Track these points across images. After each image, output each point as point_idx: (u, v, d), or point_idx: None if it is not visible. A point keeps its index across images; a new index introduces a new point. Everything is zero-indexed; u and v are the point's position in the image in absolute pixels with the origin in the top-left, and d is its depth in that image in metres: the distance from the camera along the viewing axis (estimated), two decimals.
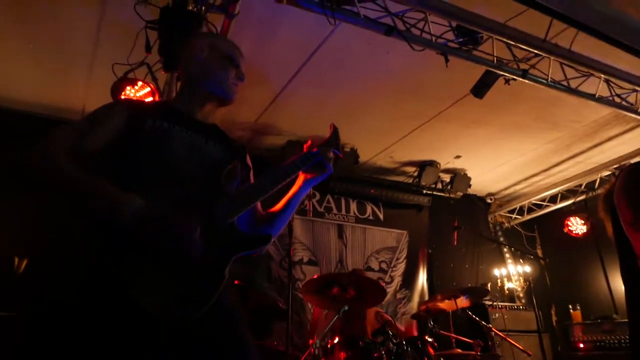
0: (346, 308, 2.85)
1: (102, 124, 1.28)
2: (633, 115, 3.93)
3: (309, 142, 1.51)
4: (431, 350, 2.98)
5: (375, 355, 2.76)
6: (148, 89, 2.78)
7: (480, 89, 3.37)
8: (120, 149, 1.26)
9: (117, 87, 2.75)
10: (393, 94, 4.09)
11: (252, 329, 1.33)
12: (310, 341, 2.90)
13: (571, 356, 4.70)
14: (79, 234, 1.16)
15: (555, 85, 3.44)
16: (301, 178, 1.48)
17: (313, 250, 4.88)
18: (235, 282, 3.17)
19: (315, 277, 3.28)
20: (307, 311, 4.49)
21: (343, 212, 5.27)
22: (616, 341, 4.49)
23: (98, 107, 1.36)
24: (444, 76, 3.68)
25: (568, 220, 5.72)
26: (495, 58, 3.20)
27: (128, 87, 2.73)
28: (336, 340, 2.91)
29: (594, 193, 5.52)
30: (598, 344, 4.57)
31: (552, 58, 3.24)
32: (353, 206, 5.35)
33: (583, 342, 4.64)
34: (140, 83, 2.77)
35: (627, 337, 4.52)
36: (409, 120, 4.53)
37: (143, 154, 1.26)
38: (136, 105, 1.43)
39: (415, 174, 5.45)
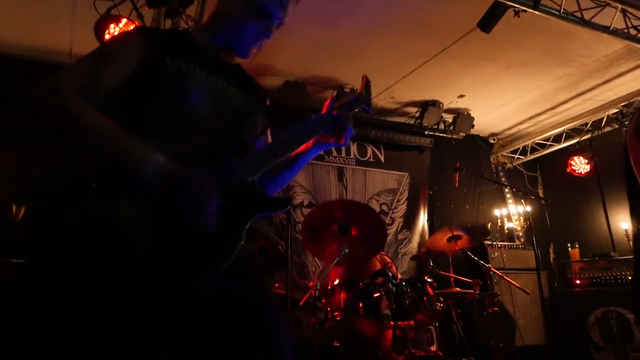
0: (346, 250, 2.86)
1: (115, 61, 1.15)
2: None
3: (330, 98, 1.37)
4: (430, 290, 3.02)
5: (375, 295, 2.80)
6: (133, 27, 2.62)
7: (487, 22, 3.17)
8: (133, 91, 1.15)
9: (100, 26, 2.58)
10: (395, 31, 3.88)
11: None
12: (311, 283, 2.93)
13: (567, 292, 4.80)
14: (84, 185, 1.09)
15: (568, 16, 3.24)
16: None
17: (313, 193, 4.86)
18: None
19: (314, 208, 3.19)
20: (308, 253, 4.55)
21: (343, 154, 5.19)
22: (612, 278, 4.57)
23: (109, 40, 1.23)
24: (449, 9, 3.47)
25: (572, 159, 5.63)
26: None
27: (112, 25, 2.56)
28: (336, 281, 2.94)
29: (600, 132, 5.40)
30: (594, 280, 4.65)
31: None
32: (353, 148, 5.27)
33: (579, 279, 4.72)
34: (124, 20, 2.59)
35: (623, 273, 4.61)
36: (412, 59, 4.33)
37: (158, 97, 1.15)
38: (153, 37, 1.26)
39: (417, 114, 5.32)
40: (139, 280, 1.03)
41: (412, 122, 5.46)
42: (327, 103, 1.33)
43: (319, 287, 2.80)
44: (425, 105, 5.16)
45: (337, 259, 2.80)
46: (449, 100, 5.20)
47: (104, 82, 1.12)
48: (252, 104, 1.32)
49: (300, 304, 2.85)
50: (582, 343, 4.40)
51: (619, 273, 4.55)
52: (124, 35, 1.30)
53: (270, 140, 1.43)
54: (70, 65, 1.16)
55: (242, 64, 1.42)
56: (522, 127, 6.04)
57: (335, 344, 2.90)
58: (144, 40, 1.21)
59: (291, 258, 4.12)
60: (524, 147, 6.25)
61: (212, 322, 1.12)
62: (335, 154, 5.13)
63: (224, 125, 1.21)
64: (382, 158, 5.42)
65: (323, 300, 2.96)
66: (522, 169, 6.48)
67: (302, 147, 1.34)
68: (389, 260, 3.46)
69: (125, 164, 1.04)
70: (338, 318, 2.81)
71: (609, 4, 3.28)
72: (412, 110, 5.36)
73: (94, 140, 1.06)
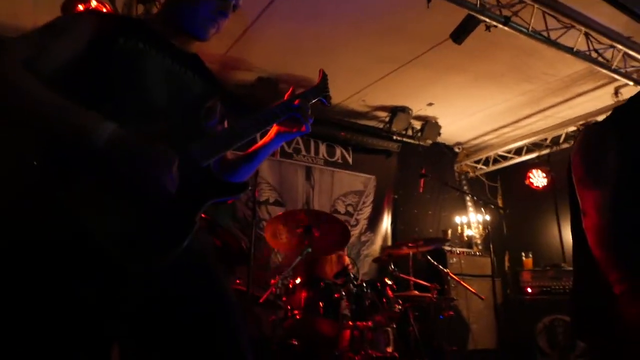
0: (309, 249, 2.87)
1: (64, 36, 1.09)
2: (606, 72, 3.94)
3: (291, 90, 1.37)
4: (390, 292, 3.07)
5: (336, 296, 2.82)
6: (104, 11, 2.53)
7: (460, 34, 3.26)
8: (84, 71, 1.09)
9: (68, 6, 2.47)
10: (371, 35, 3.92)
11: None
12: (272, 281, 2.93)
13: (519, 300, 4.99)
14: (26, 159, 1.00)
15: (535, 35, 3.37)
16: (274, 129, 1.35)
17: (279, 191, 4.85)
18: (202, 215, 3.11)
19: (280, 214, 3.26)
20: (272, 251, 4.53)
21: (312, 154, 5.20)
22: (561, 287, 4.78)
23: (59, 17, 1.17)
24: (424, 18, 3.53)
25: (530, 172, 5.86)
26: (478, 2, 3.07)
27: (80, 7, 2.46)
28: (298, 280, 2.95)
29: (558, 148, 5.64)
30: (544, 289, 4.85)
31: (535, 6, 3.15)
32: (322, 149, 5.29)
33: (531, 287, 4.91)
34: (94, 2, 2.50)
35: (571, 284, 4.83)
36: (385, 64, 4.39)
37: (112, 78, 1.10)
38: (107, 18, 1.22)
39: (387, 119, 5.39)
40: (93, 262, 0.98)
41: (381, 126, 5.54)
42: (287, 94, 1.35)
43: (280, 285, 2.79)
44: (395, 111, 5.24)
45: (300, 257, 2.81)
46: (419, 108, 5.30)
47: (51, 57, 1.06)
48: (209, 90, 1.30)
49: (261, 300, 2.83)
50: (529, 348, 4.59)
51: (567, 283, 4.76)
52: (74, 14, 1.26)
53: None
54: (15, 37, 1.07)
55: (215, 55, 1.41)
56: (486, 138, 6.23)
57: (294, 342, 2.90)
58: (95, 19, 1.17)
59: (254, 255, 4.10)
60: (487, 158, 6.44)
61: (168, 306, 1.10)
62: (304, 152, 5.14)
63: (180, 110, 1.17)
64: (350, 160, 5.47)
65: (284, 299, 2.97)
66: (483, 179, 6.68)
67: (263, 141, 1.35)
68: (348, 262, 3.49)
69: (72, 135, 0.97)
70: (298, 317, 2.82)
71: (573, 26, 3.43)
72: (382, 114, 5.42)
73: (36, 111, 0.98)
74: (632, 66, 3.96)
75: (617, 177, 1.39)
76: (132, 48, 1.14)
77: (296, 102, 1.32)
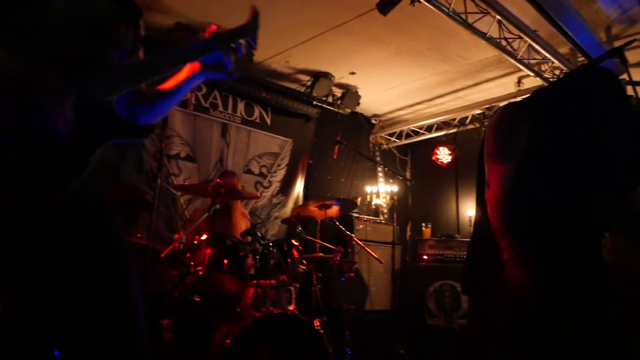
0: (217, 206, 2.81)
1: None
2: (512, 61, 4.23)
3: (214, 28, 1.23)
4: (295, 253, 3.14)
5: (241, 254, 2.82)
6: None
7: (386, 5, 3.29)
8: None
9: None
10: None
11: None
12: (176, 236, 2.84)
13: (415, 266, 5.37)
14: None
15: (454, 16, 3.51)
16: (195, 66, 1.23)
17: (192, 146, 4.66)
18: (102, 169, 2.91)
19: (187, 184, 3.12)
20: (179, 206, 4.39)
21: (229, 111, 5.04)
22: (452, 256, 5.22)
23: None
24: None
25: (437, 149, 6.27)
26: None
27: None
28: (204, 237, 2.90)
29: (464, 128, 6.03)
30: (438, 257, 5.26)
31: None
32: (240, 106, 5.14)
33: (427, 255, 5.30)
34: None
35: (462, 253, 5.31)
36: (311, 26, 4.32)
37: None
38: None
39: (309, 83, 5.37)
40: None
41: (302, 90, 5.50)
42: (210, 30, 1.22)
43: (184, 241, 2.73)
44: (318, 76, 5.22)
45: (207, 213, 2.75)
46: (341, 75, 5.34)
47: None
48: (120, 12, 1.16)
49: (162, 255, 2.75)
50: (420, 310, 5.00)
51: (458, 252, 5.21)
52: None
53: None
54: None
55: None
56: (402, 112, 6.47)
57: (195, 298, 2.87)
58: None
59: (158, 209, 3.94)
60: (400, 132, 6.72)
61: (56, 253, 1.03)
62: (221, 108, 4.96)
63: (80, 31, 1.05)
64: (268, 121, 5.39)
65: (188, 255, 2.90)
66: (395, 152, 6.99)
67: (185, 75, 1.22)
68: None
69: None
70: (201, 273, 2.79)
71: (488, 13, 3.62)
72: (305, 78, 5.39)
73: None
74: (534, 58, 4.30)
75: (522, 156, 1.51)
76: None
77: (220, 39, 1.20)
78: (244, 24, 1.26)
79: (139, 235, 3.11)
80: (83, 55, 1.03)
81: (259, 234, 2.95)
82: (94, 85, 1.01)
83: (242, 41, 1.25)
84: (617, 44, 3.91)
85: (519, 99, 1.74)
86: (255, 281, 2.83)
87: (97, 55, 1.06)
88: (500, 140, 1.62)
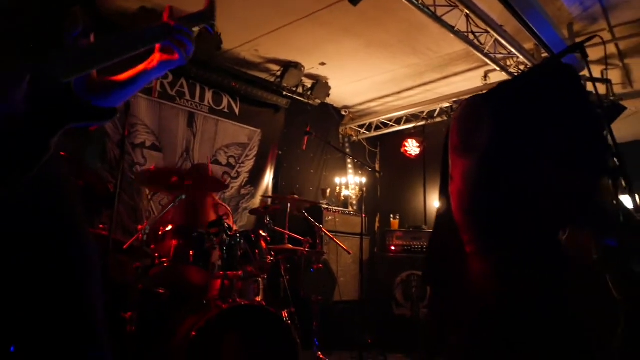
0: (183, 196, 2.75)
1: None
2: (479, 55, 4.31)
3: (167, 9, 1.20)
4: (263, 244, 3.11)
5: (207, 245, 2.78)
6: None
7: None
8: None
9: None
10: None
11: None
12: (139, 227, 2.77)
13: (383, 256, 5.44)
14: None
15: (423, 8, 3.53)
16: (157, 57, 1.20)
17: (158, 134, 4.54)
18: (62, 153, 2.78)
19: (152, 168, 3.05)
20: (144, 197, 4.28)
21: (197, 99, 4.93)
22: (420, 246, 5.32)
23: None
24: None
25: (406, 141, 6.34)
26: None
27: None
28: (169, 227, 2.83)
29: (432, 121, 6.12)
30: (406, 247, 5.34)
31: None
32: (208, 95, 5.04)
33: (394, 246, 5.38)
34: None
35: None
36: (282, 15, 4.26)
37: None
38: None
39: (278, 73, 5.31)
40: None
41: (272, 80, 5.44)
42: (165, 14, 1.20)
43: (147, 232, 2.66)
44: (288, 66, 5.17)
45: (173, 204, 2.69)
46: (311, 66, 5.30)
47: None
48: None
49: (125, 247, 2.67)
50: (387, 300, 5.08)
51: (426, 243, 5.31)
52: None
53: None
54: None
55: None
56: (371, 104, 6.50)
57: (160, 290, 2.82)
58: None
59: (122, 199, 3.83)
60: (370, 124, 6.75)
61: (12, 241, 0.98)
62: (188, 97, 4.85)
63: (30, 10, 1.02)
64: (237, 110, 5.31)
65: (152, 246, 2.83)
66: (365, 143, 7.02)
67: (143, 66, 1.20)
68: (228, 210, 3.46)
69: None
70: (165, 264, 2.73)
71: (457, 6, 3.66)
72: (274, 68, 5.32)
73: None
74: (501, 53, 4.39)
75: (485, 149, 1.52)
76: None
77: (172, 22, 1.18)
78: (201, 11, 1.25)
79: (101, 226, 3.01)
80: (39, 35, 0.98)
81: (226, 225, 2.91)
82: (51, 66, 0.97)
83: (196, 28, 1.24)
84: (578, 40, 4.04)
85: (483, 92, 1.76)
86: (222, 272, 2.80)
87: (53, 35, 1.01)
88: (464, 134, 1.63)
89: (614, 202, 1.50)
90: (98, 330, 1.08)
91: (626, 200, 1.56)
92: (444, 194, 1.74)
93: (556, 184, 1.47)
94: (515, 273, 1.44)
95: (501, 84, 1.79)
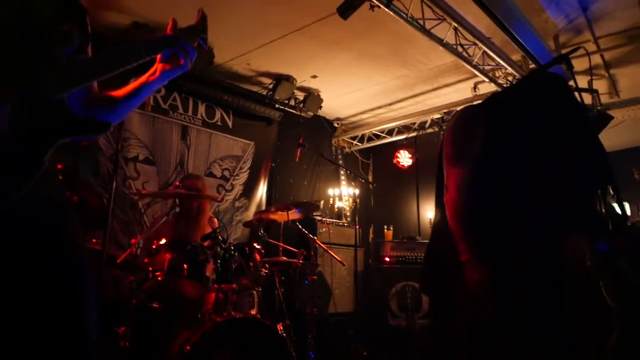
0: (177, 209, 2.75)
1: None
2: (468, 67, 4.37)
3: (172, 21, 1.27)
4: (257, 257, 3.11)
5: (202, 258, 2.77)
6: None
7: (346, 9, 3.33)
8: None
9: None
10: None
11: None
12: (133, 240, 2.76)
13: (378, 268, 5.44)
14: None
15: (412, 22, 3.59)
16: (159, 67, 1.24)
17: (151, 148, 4.54)
18: (59, 166, 2.76)
19: (144, 192, 3.03)
20: (137, 211, 4.26)
21: (190, 113, 4.95)
22: (414, 257, 5.33)
23: None
24: None
25: (398, 152, 6.39)
26: None
27: None
28: (163, 241, 2.82)
29: (424, 132, 6.18)
30: (400, 258, 5.35)
31: None
32: (201, 109, 5.06)
33: (389, 257, 5.38)
34: None
35: (423, 254, 5.42)
36: (273, 29, 4.31)
37: None
38: None
39: (271, 86, 5.35)
40: None
41: (264, 93, 5.48)
42: (169, 26, 1.26)
43: (141, 246, 2.65)
44: (280, 79, 5.21)
45: (166, 217, 2.68)
46: (303, 79, 5.35)
47: None
48: (66, 10, 1.14)
49: (118, 261, 2.65)
50: (382, 311, 5.06)
51: (420, 254, 5.33)
52: None
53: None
54: None
55: None
56: (363, 116, 6.55)
57: (154, 304, 2.80)
58: None
59: (115, 213, 3.82)
60: (362, 135, 6.80)
61: (6, 257, 0.98)
62: (181, 110, 4.87)
63: (28, 32, 1.02)
64: (230, 124, 5.33)
65: (146, 260, 2.82)
66: (357, 155, 7.06)
67: (146, 77, 1.24)
68: (217, 225, 3.45)
69: None
70: (160, 278, 2.71)
71: (445, 19, 3.73)
72: (267, 81, 5.37)
73: None
74: (489, 64, 4.47)
75: (479, 159, 1.54)
76: None
77: (175, 35, 1.24)
78: (192, 25, 1.30)
79: (94, 240, 2.99)
80: (30, 52, 1.00)
81: (220, 238, 2.90)
82: (43, 83, 0.98)
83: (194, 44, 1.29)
84: (564, 51, 4.13)
85: (476, 102, 1.79)
86: (216, 286, 2.79)
87: (45, 53, 1.03)
88: (458, 144, 1.65)
89: (604, 209, 1.52)
90: (92, 346, 1.08)
91: (615, 208, 1.58)
92: (439, 204, 1.75)
93: (550, 192, 1.48)
94: (510, 281, 1.45)
95: (495, 95, 1.82)
